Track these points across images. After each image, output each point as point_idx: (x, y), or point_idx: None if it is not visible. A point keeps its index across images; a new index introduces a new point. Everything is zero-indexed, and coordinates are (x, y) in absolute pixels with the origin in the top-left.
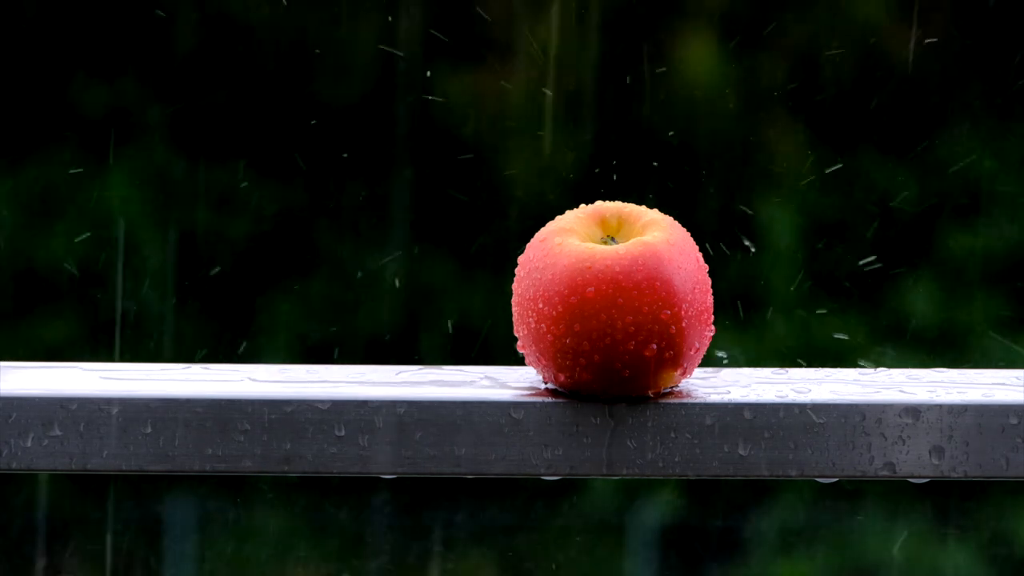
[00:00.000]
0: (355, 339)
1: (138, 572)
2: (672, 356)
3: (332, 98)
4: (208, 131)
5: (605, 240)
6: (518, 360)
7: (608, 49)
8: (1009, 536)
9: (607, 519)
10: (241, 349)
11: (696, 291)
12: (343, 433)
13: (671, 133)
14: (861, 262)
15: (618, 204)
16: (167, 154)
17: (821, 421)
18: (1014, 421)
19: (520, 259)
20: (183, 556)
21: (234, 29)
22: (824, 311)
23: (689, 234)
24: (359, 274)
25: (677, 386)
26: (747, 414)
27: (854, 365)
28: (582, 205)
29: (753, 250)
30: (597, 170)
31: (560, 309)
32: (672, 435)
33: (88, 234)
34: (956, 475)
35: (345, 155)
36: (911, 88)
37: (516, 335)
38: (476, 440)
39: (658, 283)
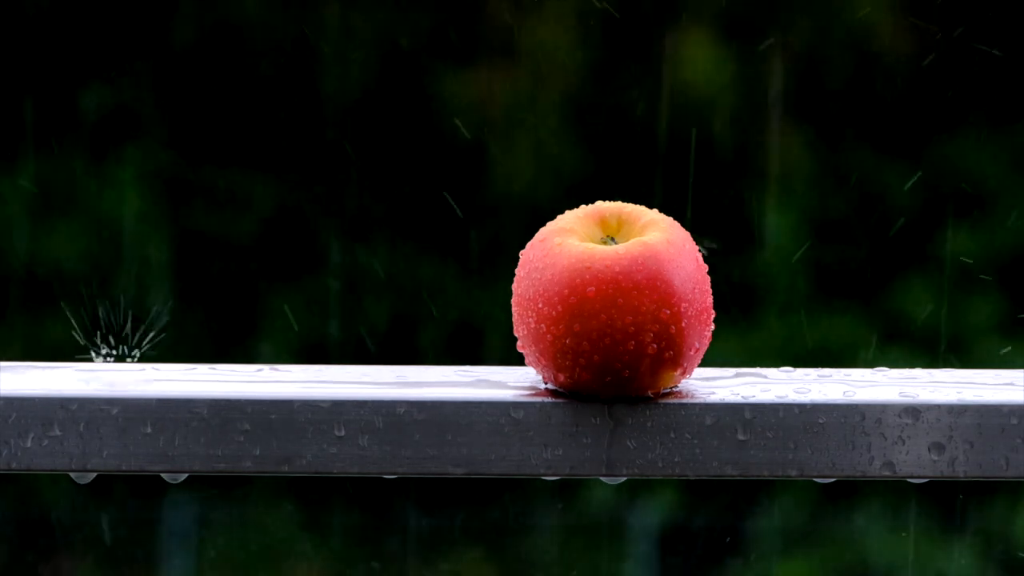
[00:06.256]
0: (355, 339)
1: (138, 572)
2: (672, 356)
3: (333, 97)
4: (208, 130)
5: (605, 240)
6: (518, 360)
7: (608, 49)
8: (1009, 536)
9: (607, 519)
10: (241, 349)
11: (696, 291)
12: (343, 433)
13: (671, 133)
14: (861, 262)
15: (618, 204)
16: (167, 153)
17: (821, 421)
18: (1014, 421)
19: (520, 259)
20: (183, 556)
21: (235, 26)
22: (824, 311)
23: (689, 234)
24: (359, 274)
25: (677, 386)
26: (747, 414)
27: (854, 365)
28: (582, 205)
29: (750, 249)
30: (597, 170)
31: (560, 309)
32: (672, 435)
33: (88, 234)
34: (956, 475)
35: (345, 154)
36: (911, 88)
37: (516, 335)
38: (476, 440)
39: (658, 283)
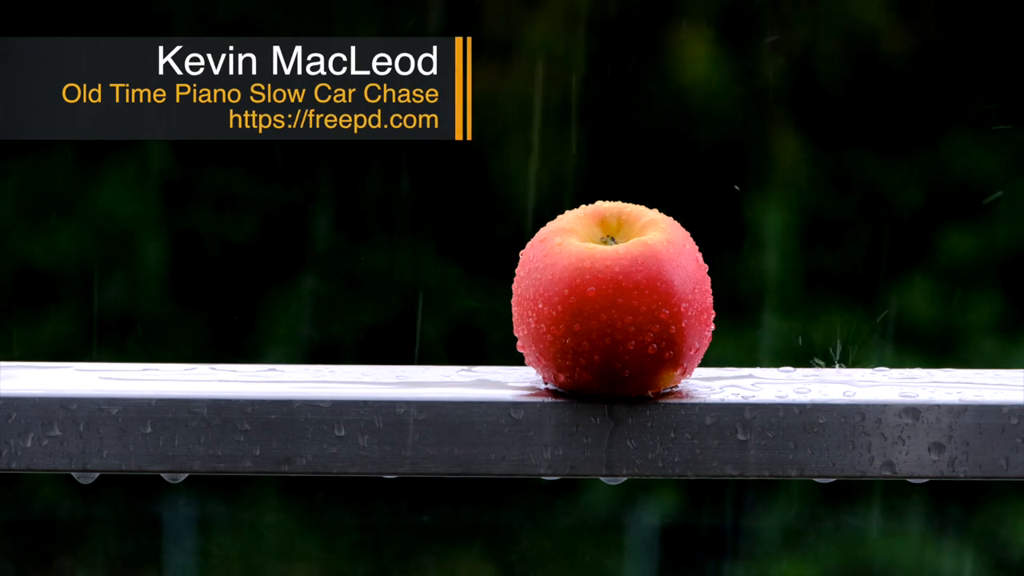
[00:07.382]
0: (355, 339)
1: (138, 572)
2: (672, 356)
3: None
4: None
5: (605, 240)
6: (518, 360)
7: (607, 49)
8: (1009, 537)
9: (607, 519)
10: (241, 349)
11: (696, 291)
12: (343, 433)
13: (670, 133)
14: (860, 262)
15: (618, 204)
16: (166, 154)
17: (821, 421)
18: (1014, 421)
19: (520, 259)
20: (183, 556)
21: (231, 24)
22: (823, 311)
23: (689, 234)
24: (359, 274)
25: (677, 386)
26: (747, 414)
27: (854, 365)
28: (582, 205)
29: (749, 249)
30: (596, 170)
31: (560, 309)
32: (672, 435)
33: (87, 234)
34: (956, 475)
35: (345, 154)
36: (909, 88)
37: (516, 335)
38: (476, 440)
39: (658, 283)
